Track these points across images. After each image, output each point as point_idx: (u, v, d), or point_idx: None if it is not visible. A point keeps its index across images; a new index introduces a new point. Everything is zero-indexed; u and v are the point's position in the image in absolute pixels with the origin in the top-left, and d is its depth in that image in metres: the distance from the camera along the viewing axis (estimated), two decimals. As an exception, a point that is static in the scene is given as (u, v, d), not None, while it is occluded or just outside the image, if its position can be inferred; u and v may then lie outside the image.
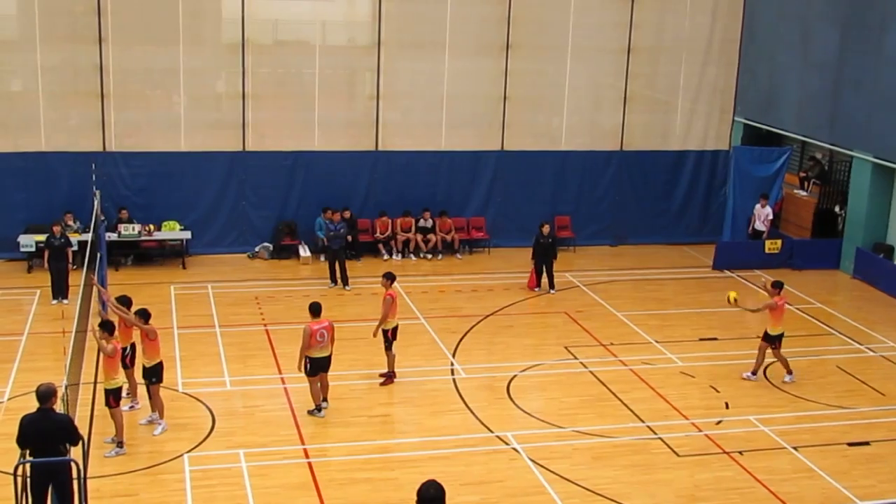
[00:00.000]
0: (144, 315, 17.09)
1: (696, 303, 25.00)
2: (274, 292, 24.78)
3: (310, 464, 16.31)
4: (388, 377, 19.47)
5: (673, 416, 18.49)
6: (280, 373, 19.88)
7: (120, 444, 16.51)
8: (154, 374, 17.11)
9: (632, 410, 18.62)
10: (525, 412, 18.42)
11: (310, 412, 18.13)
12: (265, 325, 22.43)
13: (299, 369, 18.23)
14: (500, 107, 29.02)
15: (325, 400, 18.34)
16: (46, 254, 23.85)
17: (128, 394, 17.94)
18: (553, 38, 29.08)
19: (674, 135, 30.60)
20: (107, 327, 16.47)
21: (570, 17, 29.04)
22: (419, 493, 9.28)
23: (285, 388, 19.15)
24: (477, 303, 24.58)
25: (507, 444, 17.14)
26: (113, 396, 16.42)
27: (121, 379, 16.82)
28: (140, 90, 27.49)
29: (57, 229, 23.95)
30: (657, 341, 22.22)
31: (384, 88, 28.33)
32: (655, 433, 17.71)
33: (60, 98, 26.99)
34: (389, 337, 19.32)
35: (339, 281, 25.31)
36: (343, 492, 15.46)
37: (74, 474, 12.22)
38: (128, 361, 17.70)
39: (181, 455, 16.41)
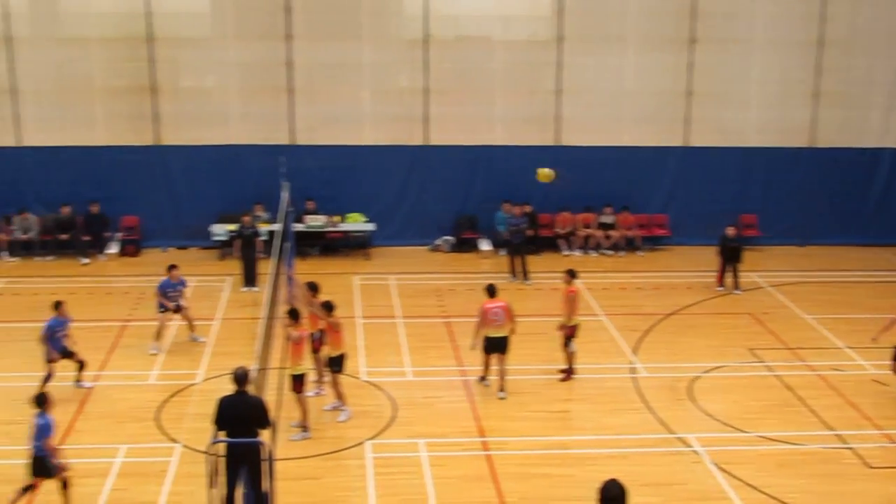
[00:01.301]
0: (328, 307, 17.41)
1: (891, 308, 23.96)
2: (454, 285, 25.00)
3: (488, 456, 16.36)
4: (567, 373, 19.39)
5: (865, 425, 17.75)
6: (460, 365, 20.02)
7: (305, 429, 16.94)
8: (337, 364, 17.47)
9: (820, 418, 17.98)
10: (707, 414, 18.03)
11: (480, 379, 19.04)
12: (445, 317, 22.63)
13: (472, 348, 18.73)
14: (682, 102, 28.53)
15: (501, 390, 18.60)
16: (238, 243, 24.67)
17: (315, 379, 18.39)
18: (739, 30, 28.43)
19: (869, 131, 29.44)
20: (293, 315, 16.92)
21: (756, 8, 28.31)
22: (602, 491, 9.20)
23: (465, 381, 19.28)
24: (658, 301, 24.24)
25: (688, 446, 16.82)
26: (299, 382, 16.86)
27: (307, 365, 17.25)
28: (326, 85, 28.12)
29: (247, 220, 24.74)
30: (847, 347, 21.46)
31: (565, 83, 28.24)
32: (846, 443, 17.06)
33: (251, 93, 27.89)
34: (570, 333, 19.23)
35: (518, 275, 25.34)
36: (520, 485, 15.45)
37: (264, 456, 12.57)
38: (315, 346, 18.16)
39: (363, 442, 16.71)
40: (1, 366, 19.77)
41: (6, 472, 15.66)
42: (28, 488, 14.34)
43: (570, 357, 19.35)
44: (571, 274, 19.41)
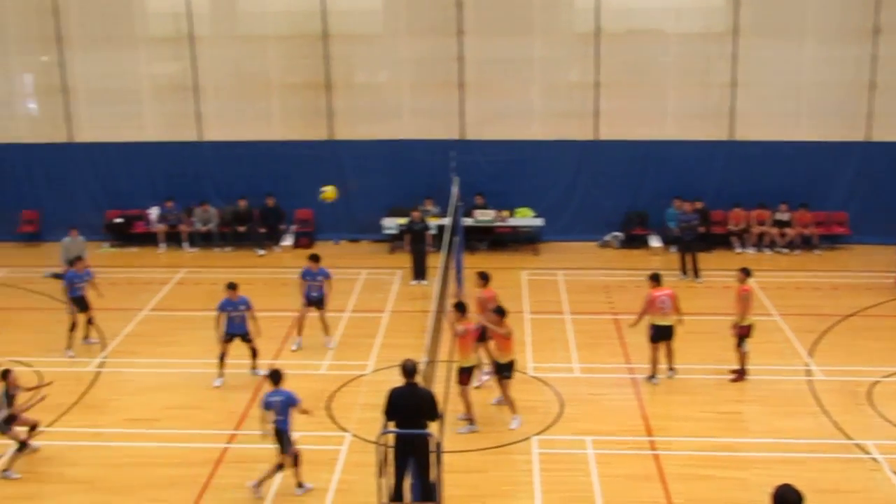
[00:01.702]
0: (500, 313, 17.06)
1: None
2: (624, 281, 24.74)
3: (656, 456, 16.16)
4: (740, 374, 18.96)
5: None
6: (628, 363, 19.82)
7: (471, 422, 17.05)
8: (506, 370, 17.22)
9: None
10: (888, 420, 17.33)
11: (649, 378, 18.89)
12: (614, 314, 22.43)
13: (631, 325, 19.11)
14: (865, 95, 27.47)
15: (671, 369, 18.82)
16: (408, 237, 24.99)
17: (481, 368, 18.49)
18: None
19: None
20: (460, 308, 17.04)
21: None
22: (777, 496, 8.98)
23: (633, 379, 19.08)
24: (836, 301, 23.43)
25: (866, 452, 16.22)
26: (466, 375, 16.98)
27: (474, 358, 17.33)
28: (496, 79, 28.19)
29: (417, 215, 25.02)
30: None
31: (740, 76, 27.56)
32: None
33: (422, 88, 28.22)
34: (743, 333, 18.80)
35: (689, 273, 24.92)
36: (688, 487, 15.21)
37: (432, 447, 12.70)
38: (481, 336, 18.16)
39: (530, 437, 16.72)
40: (180, 352, 20.53)
41: (187, 455, 16.29)
42: (280, 466, 15.00)
43: (742, 357, 18.91)
44: (745, 272, 18.99)
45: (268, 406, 14.91)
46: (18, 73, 29.34)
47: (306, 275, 20.57)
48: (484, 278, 18.83)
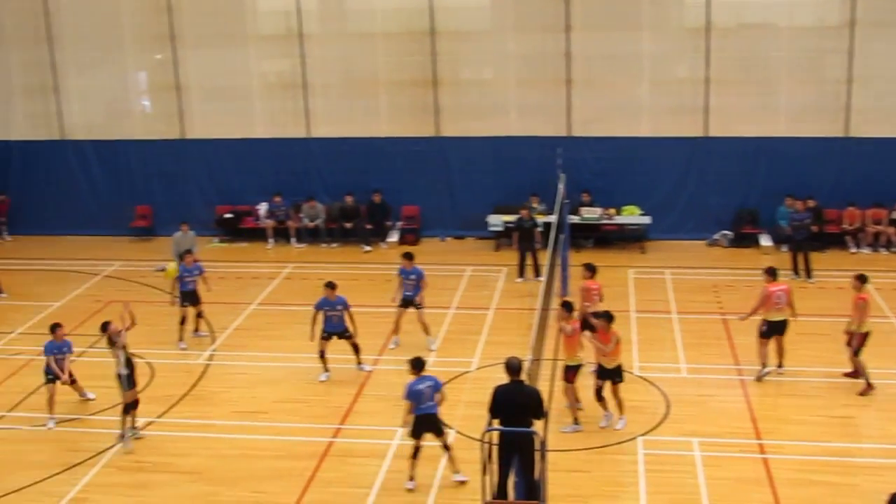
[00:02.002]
0: (608, 318, 16.96)
1: None
2: (733, 281, 24.31)
3: (765, 459, 15.86)
4: (866, 387, 18.11)
5: None
6: (737, 364, 19.48)
7: (576, 421, 16.94)
8: (616, 375, 17.04)
9: None
10: None
11: (758, 377, 18.53)
12: (722, 314, 22.06)
13: (742, 319, 19.03)
14: None
15: (780, 366, 18.62)
16: (516, 235, 24.91)
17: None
18: None
19: None
20: (567, 307, 16.99)
21: None
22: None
23: (742, 380, 18.74)
24: (954, 303, 22.72)
25: None
26: (572, 372, 16.93)
27: (581, 357, 17.22)
28: (603, 75, 27.94)
29: (525, 213, 24.90)
30: None
31: (856, 71, 26.84)
32: None
33: (529, 84, 28.10)
34: (859, 343, 18.15)
35: (801, 273, 24.38)
36: (798, 492, 14.91)
37: (537, 446, 12.64)
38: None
39: (635, 437, 16.56)
40: (287, 346, 20.77)
41: (293, 449, 16.50)
42: (447, 447, 15.36)
43: (860, 367, 18.25)
44: (861, 279, 18.29)
45: (416, 395, 15.04)
46: (133, 71, 30.03)
47: (401, 273, 20.66)
48: (590, 269, 19.13)
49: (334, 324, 19.17)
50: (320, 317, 19.11)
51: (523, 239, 24.75)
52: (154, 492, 15.38)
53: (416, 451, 15.25)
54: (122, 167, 29.74)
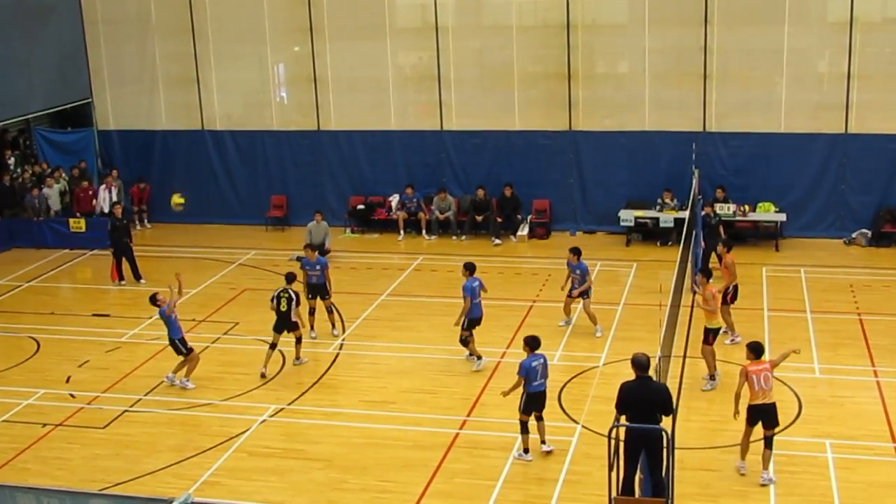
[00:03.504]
0: (707, 273, 18.48)
1: None
2: (871, 281, 23.69)
3: (902, 464, 15.48)
4: None
5: None
6: (873, 365, 18.99)
7: (713, 377, 18.01)
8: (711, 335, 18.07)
9: None
10: None
11: None
12: (859, 314, 21.51)
13: None
14: None
15: None
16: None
17: (725, 330, 19.49)
18: None
19: None
20: (706, 274, 18.41)
21: None
22: None
23: (878, 382, 18.27)
24: None
25: None
26: (712, 335, 18.00)
27: (720, 321, 18.16)
28: (741, 70, 27.47)
29: (709, 209, 24.31)
30: None
31: None
32: None
33: (664, 79, 27.80)
34: None
35: (943, 274, 23.65)
36: (934, 498, 14.51)
37: (664, 443, 12.55)
38: (728, 299, 19.74)
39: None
40: (416, 337, 21.00)
41: (420, 439, 16.69)
42: (541, 417, 16.07)
43: None
44: None
45: (530, 372, 15.60)
46: (272, 64, 30.66)
47: (569, 265, 21.10)
48: (727, 245, 20.38)
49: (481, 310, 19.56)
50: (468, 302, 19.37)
51: (708, 236, 24.28)
52: (284, 477, 15.72)
53: (525, 426, 15.82)
54: (258, 157, 30.45)
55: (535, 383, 15.66)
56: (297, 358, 19.96)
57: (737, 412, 15.10)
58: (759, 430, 14.97)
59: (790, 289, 23.40)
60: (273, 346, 19.53)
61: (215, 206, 30.61)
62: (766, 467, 15.01)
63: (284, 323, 19.51)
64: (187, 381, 19.00)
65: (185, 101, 30.77)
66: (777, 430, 15.15)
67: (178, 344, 18.88)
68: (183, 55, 30.35)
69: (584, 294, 20.87)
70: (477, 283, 19.55)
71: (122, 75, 31.25)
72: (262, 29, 29.79)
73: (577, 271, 20.85)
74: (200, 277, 25.30)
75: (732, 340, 19.73)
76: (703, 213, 24.49)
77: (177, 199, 25.70)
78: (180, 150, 30.88)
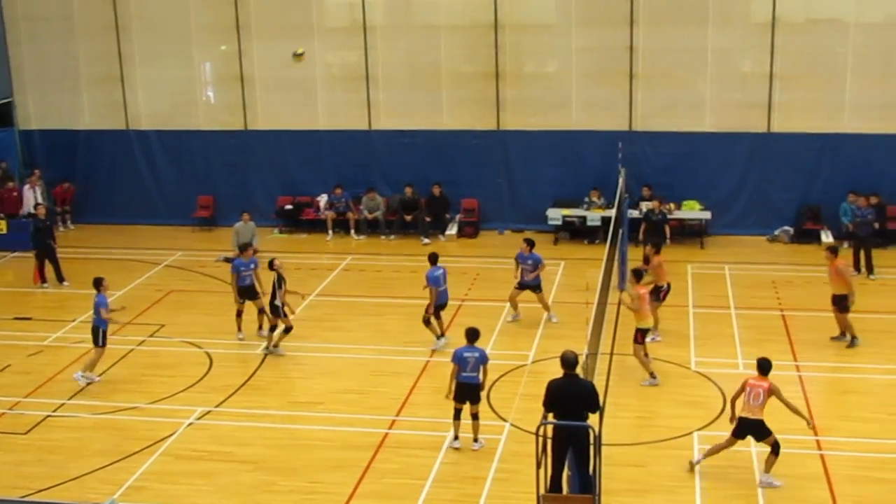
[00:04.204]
0: (637, 276, 18.84)
1: None
2: (793, 277, 24.09)
3: (822, 456, 15.74)
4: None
5: None
6: (795, 360, 19.33)
7: (652, 376, 18.37)
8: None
9: None
10: None
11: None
12: (782, 310, 21.87)
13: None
14: None
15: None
16: (644, 227, 25.37)
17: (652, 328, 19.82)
18: None
19: None
20: (637, 275, 18.78)
21: None
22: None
23: (800, 377, 18.57)
24: None
25: None
26: (641, 334, 18.40)
27: (650, 320, 18.79)
28: (667, 70, 27.78)
29: (656, 204, 25.10)
30: None
31: (924, 67, 26.50)
32: None
33: (591, 78, 28.04)
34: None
35: (863, 269, 24.08)
36: (856, 489, 14.79)
37: (591, 440, 12.64)
38: (661, 296, 20.09)
39: (692, 432, 16.48)
40: (345, 338, 20.93)
41: (350, 439, 16.65)
42: (476, 416, 16.23)
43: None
44: None
45: (460, 360, 15.87)
46: (199, 62, 30.37)
47: (520, 256, 21.37)
48: (656, 246, 20.68)
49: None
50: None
51: (651, 232, 24.64)
52: (212, 480, 15.57)
53: (457, 413, 16.08)
54: (185, 157, 30.14)
55: (465, 374, 15.85)
56: (274, 346, 20.20)
57: (732, 418, 15.10)
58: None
59: (715, 285, 23.72)
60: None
61: (140, 207, 30.19)
62: (767, 471, 14.99)
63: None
64: (92, 374, 18.96)
65: (109, 101, 30.31)
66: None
67: (101, 335, 18.78)
68: (107, 53, 29.90)
69: (538, 287, 21.20)
70: (440, 271, 20.02)
71: (45, 74, 30.66)
72: (188, 27, 29.49)
73: (530, 261, 21.10)
74: (126, 279, 24.97)
75: (653, 339, 19.86)
76: (648, 208, 24.89)
77: (298, 50, 25.46)
78: (105, 149, 30.42)
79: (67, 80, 30.43)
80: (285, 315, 19.94)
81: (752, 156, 27.45)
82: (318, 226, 28.93)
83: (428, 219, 28.12)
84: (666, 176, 27.49)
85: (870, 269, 24.03)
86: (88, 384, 18.89)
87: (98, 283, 19.05)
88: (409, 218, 28.28)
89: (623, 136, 26.54)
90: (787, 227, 27.26)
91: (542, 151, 28.27)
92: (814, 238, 26.87)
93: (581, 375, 13.46)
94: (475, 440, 16.20)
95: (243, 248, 21.47)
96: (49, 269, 24.92)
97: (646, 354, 18.51)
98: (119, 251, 27.49)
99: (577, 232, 27.37)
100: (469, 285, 24.00)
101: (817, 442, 16.16)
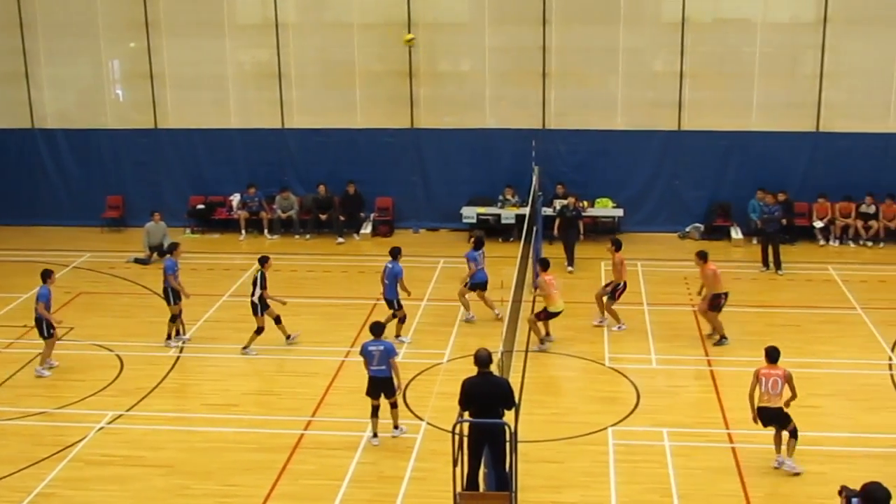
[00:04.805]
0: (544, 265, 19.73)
1: None
2: (704, 273, 24.44)
3: (733, 449, 15.97)
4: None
5: None
6: (706, 355, 19.62)
7: (542, 342, 19.21)
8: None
9: None
10: (974, 417, 16.97)
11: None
12: (693, 305, 22.16)
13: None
14: (959, 85, 26.81)
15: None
16: (559, 222, 25.32)
17: (600, 322, 21.05)
18: None
19: None
20: (543, 264, 19.78)
21: None
22: (867, 492, 8.83)
23: (711, 371, 18.86)
24: (922, 295, 22.94)
25: (952, 449, 15.92)
26: (544, 313, 19.62)
27: (561, 305, 19.50)
28: (579, 69, 28.05)
29: (572, 200, 25.24)
30: None
31: (828, 67, 27.04)
32: None
33: (505, 77, 28.19)
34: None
35: (771, 265, 24.53)
36: (767, 480, 15.02)
37: (507, 437, 12.68)
38: (617, 295, 20.84)
39: (606, 428, 16.62)
40: (260, 339, 20.55)
41: (264, 441, 16.47)
42: (394, 405, 16.38)
43: None
44: None
45: (366, 354, 16.02)
46: (107, 60, 29.82)
47: (469, 256, 21.43)
48: (615, 244, 21.30)
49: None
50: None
51: (565, 227, 24.85)
52: (124, 485, 15.28)
53: (374, 410, 16.13)
54: (93, 157, 29.55)
55: (373, 367, 15.99)
56: (288, 336, 20.31)
57: (754, 416, 15.26)
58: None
59: (628, 282, 23.87)
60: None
61: (47, 208, 29.57)
62: (790, 455, 15.20)
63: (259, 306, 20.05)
64: (51, 360, 19.11)
65: (13, 99, 29.59)
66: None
67: (45, 326, 18.88)
68: (11, 50, 29.19)
69: (485, 286, 21.39)
70: (396, 267, 20.06)
71: (-55, 72, 29.96)
72: (95, 24, 28.93)
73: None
74: (32, 282, 24.25)
75: (619, 327, 20.78)
76: (563, 204, 25.08)
77: (408, 36, 25.62)
78: (9, 149, 29.69)
79: (-31, 79, 29.74)
80: (262, 314, 19.90)
81: (664, 154, 27.82)
82: (230, 225, 28.62)
83: (342, 218, 27.97)
84: (579, 174, 27.72)
85: (778, 265, 24.48)
86: (51, 368, 19.08)
87: (47, 275, 19.32)
88: (323, 217, 28.12)
89: (536, 134, 26.79)
90: (697, 224, 27.68)
91: (457, 150, 28.33)
92: (724, 234, 27.35)
93: (496, 373, 13.49)
94: (395, 427, 16.35)
95: (172, 247, 20.95)
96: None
97: (547, 333, 19.84)
98: (25, 253, 26.83)
99: (491, 230, 27.43)
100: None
101: (729, 435, 16.42)
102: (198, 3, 28.70)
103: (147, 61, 28.86)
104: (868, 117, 27.25)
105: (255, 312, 19.87)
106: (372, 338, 16.13)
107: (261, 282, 19.85)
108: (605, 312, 20.94)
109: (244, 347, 19.94)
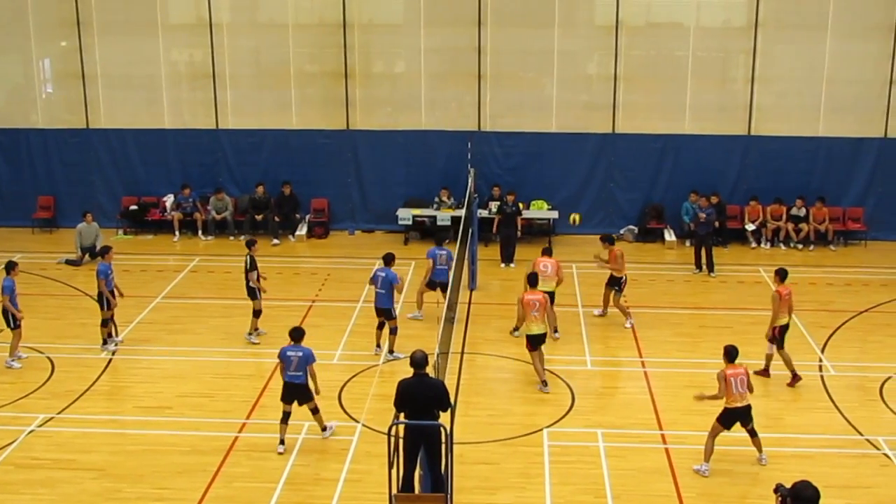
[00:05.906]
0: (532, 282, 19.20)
1: None
2: (637, 275, 24.57)
3: (667, 450, 16.14)
4: (794, 377, 18.61)
5: None
6: (640, 356, 19.80)
7: (545, 384, 18.36)
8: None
9: None
10: (899, 416, 17.32)
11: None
12: (628, 307, 22.35)
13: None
14: (884, 91, 27.29)
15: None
16: (498, 219, 25.59)
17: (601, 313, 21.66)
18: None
19: None
20: (531, 280, 19.04)
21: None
22: (796, 490, 8.97)
23: (645, 372, 19.05)
24: (850, 298, 23.32)
25: (877, 448, 16.20)
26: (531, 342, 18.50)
27: (542, 326, 18.37)
28: (514, 71, 28.20)
29: (511, 197, 25.47)
30: None
31: (760, 71, 27.45)
32: None
33: (440, 78, 28.21)
34: (777, 335, 18.53)
35: (704, 267, 24.82)
36: (699, 481, 15.19)
37: (443, 439, 12.70)
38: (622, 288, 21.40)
39: (541, 430, 16.71)
40: (193, 341, 20.56)
41: (198, 444, 16.34)
42: (315, 410, 16.18)
43: (786, 360, 18.64)
44: (779, 273, 18.82)
45: (284, 359, 15.93)
46: (37, 59, 29.35)
47: (430, 254, 21.37)
48: (608, 240, 21.76)
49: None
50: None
51: (505, 224, 25.01)
52: (55, 489, 15.07)
53: (285, 416, 16.01)
54: (23, 156, 29.05)
55: (290, 373, 15.92)
56: (256, 330, 20.44)
57: (701, 397, 15.70)
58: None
59: (563, 284, 23.97)
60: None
61: (-24, 208, 29.12)
62: (760, 451, 15.57)
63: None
64: (18, 352, 19.34)
65: (-59, 97, 29.16)
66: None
67: (10, 317, 18.96)
68: (-62, 49, 28.75)
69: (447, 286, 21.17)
70: (391, 274, 19.76)
71: None
72: (25, 21, 28.47)
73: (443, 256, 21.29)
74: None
75: (629, 323, 21.18)
76: (501, 200, 25.25)
77: (575, 217, 26.70)
78: (-64, 148, 29.22)
79: None
80: (259, 297, 20.14)
81: (598, 156, 28.04)
82: (164, 227, 28.33)
83: (277, 219, 27.82)
84: (514, 176, 27.85)
85: (710, 267, 24.77)
86: (19, 360, 19.29)
87: (10, 267, 19.31)
88: (258, 217, 27.94)
89: (472, 136, 26.80)
90: (631, 226, 27.93)
91: (392, 151, 28.31)
92: (658, 237, 27.62)
93: (431, 374, 13.50)
94: (323, 429, 16.33)
95: (104, 251, 20.47)
96: None
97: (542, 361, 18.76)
98: (-47, 254, 26.40)
99: (427, 232, 27.45)
100: (319, 286, 23.86)
101: (662, 436, 16.59)
102: (130, 2, 28.37)
103: (79, 60, 28.46)
104: (798, 121, 27.68)
105: (251, 296, 20.08)
106: (291, 343, 16.04)
107: (250, 264, 20.03)
108: (616, 309, 21.36)
109: (248, 334, 20.26)
